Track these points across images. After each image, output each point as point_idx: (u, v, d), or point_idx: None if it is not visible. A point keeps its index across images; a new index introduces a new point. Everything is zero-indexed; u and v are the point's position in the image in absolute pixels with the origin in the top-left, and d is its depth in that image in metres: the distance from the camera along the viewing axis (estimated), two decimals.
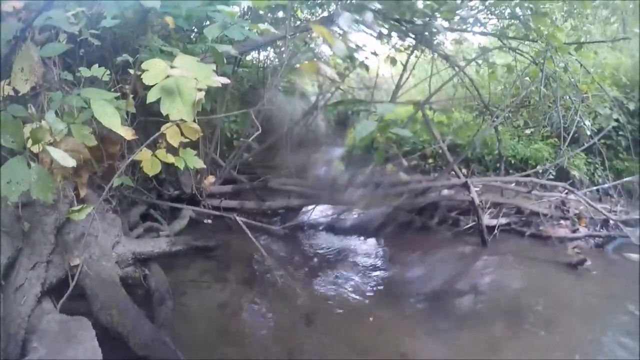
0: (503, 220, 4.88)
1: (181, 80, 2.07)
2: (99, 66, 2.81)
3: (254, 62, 6.68)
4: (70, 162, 1.88)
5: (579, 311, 3.33)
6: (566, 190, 5.20)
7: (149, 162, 2.90)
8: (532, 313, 3.27)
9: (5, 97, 2.11)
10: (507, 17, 5.11)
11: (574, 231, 4.86)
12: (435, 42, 5.12)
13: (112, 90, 2.68)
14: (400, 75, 5.48)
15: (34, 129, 1.89)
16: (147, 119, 3.17)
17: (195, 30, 4.59)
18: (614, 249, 4.55)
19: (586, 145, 5.59)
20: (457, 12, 4.50)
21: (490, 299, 3.55)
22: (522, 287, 3.76)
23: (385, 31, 4.53)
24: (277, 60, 5.94)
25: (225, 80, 2.21)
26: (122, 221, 3.53)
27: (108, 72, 2.85)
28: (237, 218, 3.80)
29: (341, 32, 3.40)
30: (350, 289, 3.57)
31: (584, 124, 5.36)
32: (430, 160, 6.94)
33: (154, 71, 2.11)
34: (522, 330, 3.05)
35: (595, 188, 5.97)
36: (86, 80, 2.73)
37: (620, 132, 6.22)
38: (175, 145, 2.81)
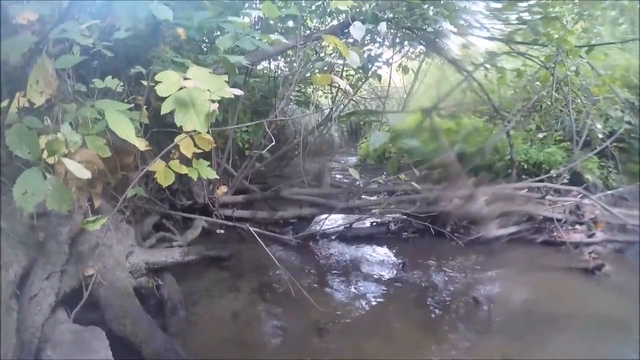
0: (512, 229, 4.81)
1: (195, 92, 2.07)
2: (112, 78, 2.84)
3: (265, 72, 6.70)
4: (86, 174, 1.88)
5: (596, 317, 3.28)
6: (581, 195, 5.13)
7: (163, 172, 2.90)
8: (548, 319, 3.23)
9: (20, 109, 2.13)
10: (515, 22, 5.07)
11: (590, 236, 4.79)
12: (444, 47, 5.09)
13: (125, 101, 2.70)
14: (412, 83, 5.46)
15: (50, 140, 1.90)
16: (160, 130, 3.19)
17: (207, 41, 4.62)
18: (633, 254, 4.48)
19: (599, 148, 5.52)
20: (462, 15, 4.49)
21: (503, 307, 3.52)
22: (536, 294, 3.73)
23: (397, 39, 4.53)
24: (287, 69, 5.95)
25: (238, 91, 2.21)
26: (136, 231, 3.55)
27: (121, 83, 2.88)
28: (250, 228, 3.80)
29: (352, 41, 3.40)
30: (362, 299, 3.55)
31: (596, 127, 5.31)
32: (439, 170, 6.86)
33: (167, 83, 2.11)
34: (537, 338, 3.01)
35: (610, 192, 5.88)
36: (99, 91, 2.76)
37: (633, 135, 6.14)
38: (189, 156, 2.82)
